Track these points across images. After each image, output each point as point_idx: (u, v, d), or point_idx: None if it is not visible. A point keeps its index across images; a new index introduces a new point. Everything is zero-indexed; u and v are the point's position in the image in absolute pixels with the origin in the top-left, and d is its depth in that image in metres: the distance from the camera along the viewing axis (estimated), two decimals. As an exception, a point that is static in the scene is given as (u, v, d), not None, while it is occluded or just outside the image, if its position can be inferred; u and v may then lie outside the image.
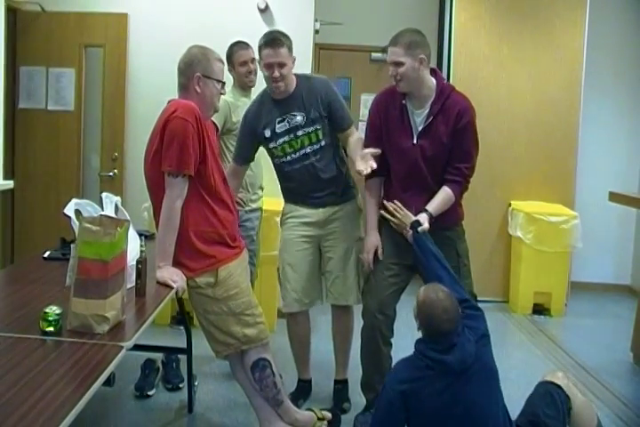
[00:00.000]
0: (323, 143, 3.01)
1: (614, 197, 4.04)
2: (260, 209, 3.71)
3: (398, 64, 2.73)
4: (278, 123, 2.99)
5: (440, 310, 2.23)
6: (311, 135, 2.99)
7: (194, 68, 2.52)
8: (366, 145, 2.93)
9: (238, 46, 3.53)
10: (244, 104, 3.50)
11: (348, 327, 3.24)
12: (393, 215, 2.79)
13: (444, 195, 2.83)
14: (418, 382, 2.21)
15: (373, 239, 2.96)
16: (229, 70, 3.49)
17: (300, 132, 2.99)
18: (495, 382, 2.30)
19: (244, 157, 3.14)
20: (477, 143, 2.88)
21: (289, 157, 3.02)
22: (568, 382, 2.48)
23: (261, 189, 3.66)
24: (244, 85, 3.55)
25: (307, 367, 3.34)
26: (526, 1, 5.21)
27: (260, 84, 3.60)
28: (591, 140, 5.48)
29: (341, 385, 3.28)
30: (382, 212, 2.83)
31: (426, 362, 2.21)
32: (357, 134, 3.09)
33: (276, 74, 2.88)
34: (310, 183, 3.04)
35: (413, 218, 2.74)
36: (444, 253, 2.76)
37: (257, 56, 3.36)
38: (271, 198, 4.15)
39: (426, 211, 2.78)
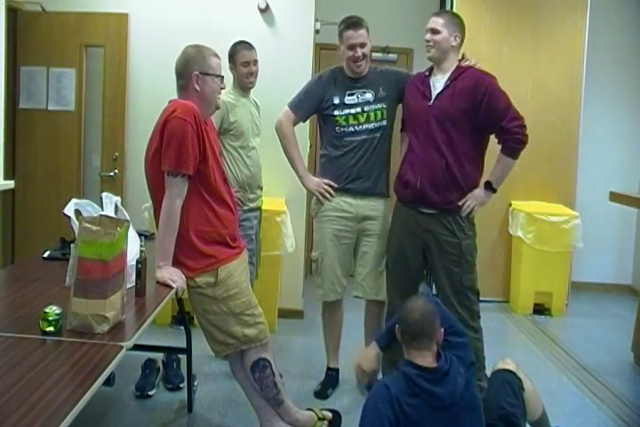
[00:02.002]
0: (385, 123, 3.23)
1: (615, 197, 4.04)
2: (259, 209, 3.71)
3: (435, 31, 3.00)
4: (348, 95, 3.22)
5: (420, 313, 2.19)
6: (377, 112, 3.21)
7: (191, 68, 2.52)
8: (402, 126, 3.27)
9: (242, 46, 3.52)
10: (243, 104, 3.50)
11: (379, 321, 3.33)
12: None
13: (499, 159, 3.04)
14: (407, 407, 2.08)
15: None
16: (230, 68, 3.48)
17: (367, 108, 3.21)
18: (481, 409, 2.25)
19: (305, 112, 3.31)
20: (507, 98, 2.98)
21: (351, 128, 3.21)
22: (517, 367, 2.49)
23: (260, 188, 3.67)
24: (243, 86, 3.54)
25: (336, 355, 3.45)
26: (527, 1, 5.21)
27: (260, 86, 3.61)
28: (592, 140, 5.48)
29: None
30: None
31: (414, 390, 2.10)
32: None
33: (359, 53, 3.14)
34: (364, 160, 3.21)
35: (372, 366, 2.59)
36: (447, 246, 2.97)
37: (257, 57, 3.45)
38: (271, 198, 4.17)
39: (487, 183, 3.05)
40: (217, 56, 2.60)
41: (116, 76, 4.56)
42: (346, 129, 3.20)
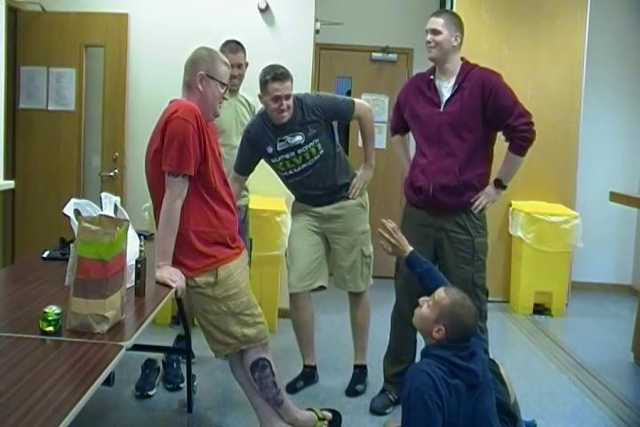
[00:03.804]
0: (322, 152, 3.18)
1: (615, 197, 4.04)
2: (245, 207, 3.70)
3: (436, 32, 2.98)
4: (279, 142, 3.17)
5: (473, 310, 2.24)
6: (311, 150, 3.17)
7: (198, 67, 2.52)
8: (392, 126, 3.34)
9: (228, 47, 3.50)
10: (229, 104, 3.41)
11: (362, 313, 3.39)
12: (391, 235, 2.64)
13: (507, 157, 3.04)
14: (449, 389, 2.07)
15: None
16: None
17: (300, 150, 3.17)
18: (494, 393, 2.26)
19: (246, 167, 3.33)
20: (514, 95, 3.01)
21: (291, 171, 3.22)
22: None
23: (245, 189, 3.65)
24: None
25: (310, 353, 3.43)
26: (526, 1, 5.21)
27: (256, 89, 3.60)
28: (592, 139, 5.48)
29: (358, 370, 3.42)
30: (380, 230, 2.69)
31: (451, 369, 2.10)
32: (366, 120, 3.28)
33: (284, 106, 3.05)
34: (314, 189, 3.26)
35: (409, 248, 2.64)
36: (459, 244, 2.96)
37: (245, 61, 3.52)
38: (271, 198, 4.17)
39: (497, 180, 3.04)
40: (227, 65, 2.60)
41: (115, 76, 4.56)
42: (287, 173, 3.23)
